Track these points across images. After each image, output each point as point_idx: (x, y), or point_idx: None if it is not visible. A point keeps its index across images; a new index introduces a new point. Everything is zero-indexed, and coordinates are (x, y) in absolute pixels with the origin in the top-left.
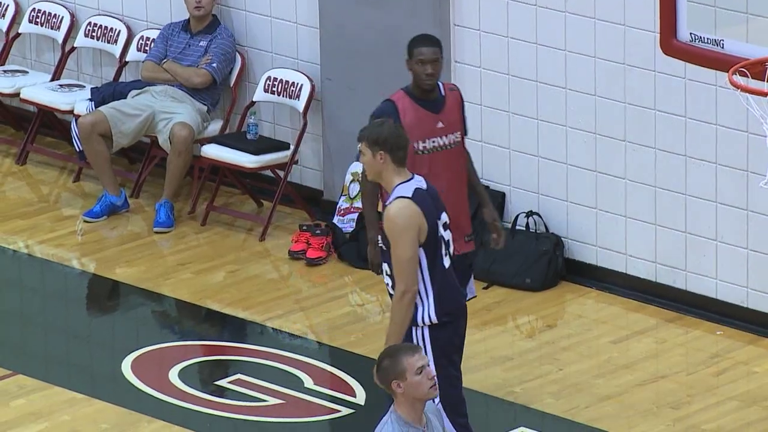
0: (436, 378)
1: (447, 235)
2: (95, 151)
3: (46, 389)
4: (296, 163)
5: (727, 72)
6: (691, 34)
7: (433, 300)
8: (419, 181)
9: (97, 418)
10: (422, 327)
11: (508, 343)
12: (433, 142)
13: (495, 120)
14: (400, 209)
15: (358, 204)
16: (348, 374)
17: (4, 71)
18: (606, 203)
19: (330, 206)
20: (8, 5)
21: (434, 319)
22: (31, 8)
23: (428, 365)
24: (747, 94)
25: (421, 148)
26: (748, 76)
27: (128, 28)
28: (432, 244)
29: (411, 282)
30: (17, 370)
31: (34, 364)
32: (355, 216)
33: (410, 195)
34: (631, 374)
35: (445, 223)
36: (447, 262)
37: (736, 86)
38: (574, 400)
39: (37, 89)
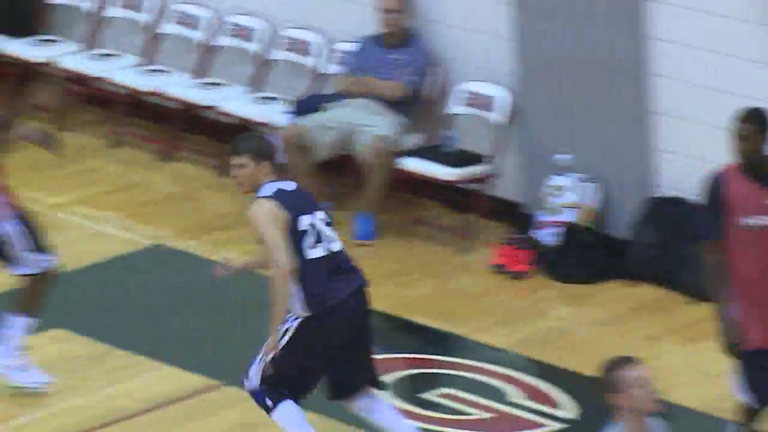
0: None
1: (328, 230)
2: (295, 164)
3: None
4: (495, 176)
5: None
6: None
7: (302, 290)
8: (285, 184)
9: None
10: (293, 317)
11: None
12: (760, 219)
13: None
14: (258, 206)
15: (559, 218)
16: (554, 388)
17: (203, 83)
18: None
19: (529, 219)
20: (201, 17)
21: (304, 311)
22: (227, 22)
23: (650, 379)
24: None
25: (744, 223)
26: None
27: (323, 40)
28: (293, 236)
29: (285, 259)
30: (224, 383)
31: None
32: (556, 230)
33: (270, 194)
34: None
35: (321, 219)
36: (313, 254)
37: None
38: None
39: (235, 101)
